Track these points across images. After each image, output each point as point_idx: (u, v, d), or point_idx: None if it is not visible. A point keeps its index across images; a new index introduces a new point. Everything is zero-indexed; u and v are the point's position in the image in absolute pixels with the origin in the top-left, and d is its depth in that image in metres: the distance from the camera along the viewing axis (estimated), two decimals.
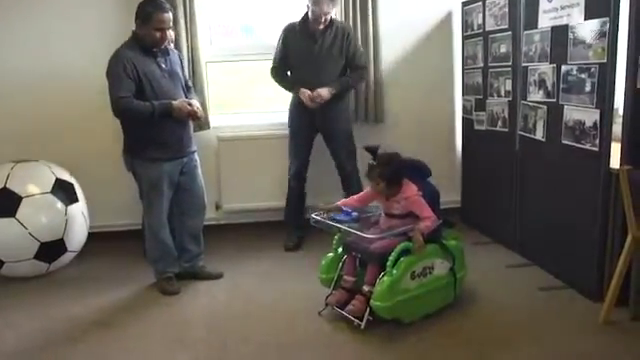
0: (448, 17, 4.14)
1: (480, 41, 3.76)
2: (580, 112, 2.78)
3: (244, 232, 4.12)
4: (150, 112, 2.92)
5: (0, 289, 3.28)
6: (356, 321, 2.62)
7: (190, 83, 3.36)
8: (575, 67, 2.79)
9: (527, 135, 3.28)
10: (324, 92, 3.52)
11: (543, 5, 3.04)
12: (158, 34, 2.94)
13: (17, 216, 3.23)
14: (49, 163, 3.54)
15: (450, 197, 4.04)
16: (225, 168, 4.07)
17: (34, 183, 3.36)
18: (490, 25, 3.63)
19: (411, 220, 2.71)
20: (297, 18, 3.61)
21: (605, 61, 2.59)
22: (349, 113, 3.84)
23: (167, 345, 2.59)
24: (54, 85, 3.85)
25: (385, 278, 2.55)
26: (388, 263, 2.56)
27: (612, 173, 2.62)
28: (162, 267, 3.21)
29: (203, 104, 3.70)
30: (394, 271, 2.55)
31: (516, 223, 3.50)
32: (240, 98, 4.52)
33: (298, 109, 3.67)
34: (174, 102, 2.99)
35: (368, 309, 2.59)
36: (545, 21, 3.03)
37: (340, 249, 2.86)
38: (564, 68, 2.88)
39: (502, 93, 3.55)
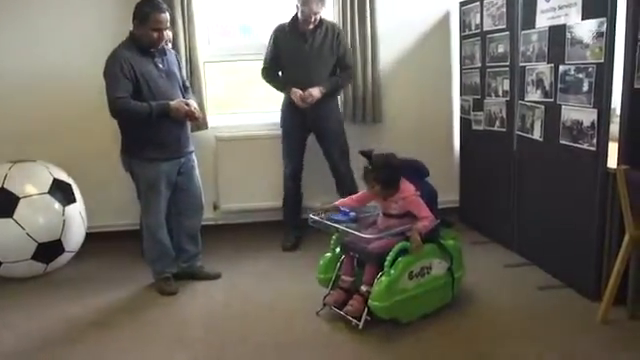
0: (446, 17, 4.15)
1: (478, 41, 3.77)
2: (578, 112, 2.79)
3: (242, 232, 4.11)
4: (148, 112, 2.92)
5: None
6: (354, 321, 2.62)
7: (187, 83, 3.36)
8: (573, 67, 2.80)
9: (525, 135, 3.29)
10: (315, 91, 3.53)
11: (541, 5, 3.04)
12: (155, 34, 2.94)
13: (14, 216, 3.22)
14: (47, 163, 3.54)
15: (448, 197, 4.04)
16: (223, 168, 4.07)
17: (32, 183, 3.35)
18: (488, 25, 3.63)
19: (409, 220, 2.71)
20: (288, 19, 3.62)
21: (602, 61, 2.59)
22: (340, 112, 3.85)
23: (165, 345, 2.59)
24: (51, 85, 3.84)
25: (383, 278, 2.55)
26: (386, 263, 2.57)
27: (609, 173, 2.63)
28: (160, 267, 3.21)
29: (201, 104, 3.71)
30: (392, 271, 2.55)
31: (514, 223, 3.50)
32: (238, 98, 4.52)
33: (290, 109, 3.69)
34: (171, 102, 2.99)
35: (366, 309, 2.59)
36: (543, 21, 3.04)
37: (338, 249, 2.86)
38: (562, 68, 2.88)
39: (500, 93, 3.55)
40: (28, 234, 3.25)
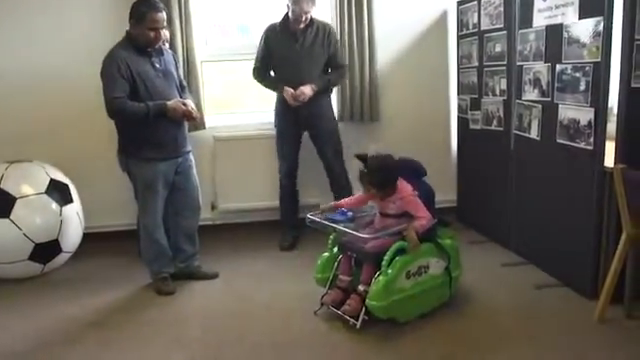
0: (443, 16, 4.15)
1: (475, 40, 3.77)
2: (575, 111, 2.79)
3: (239, 232, 4.11)
4: (145, 113, 2.91)
5: None
6: (352, 321, 2.62)
7: (184, 83, 3.35)
8: (570, 66, 2.80)
9: (522, 134, 3.29)
10: (307, 89, 3.54)
11: (538, 4, 3.04)
12: (152, 34, 2.93)
13: (11, 217, 3.22)
14: (43, 163, 3.53)
15: (446, 196, 4.04)
16: (221, 168, 4.07)
17: (28, 184, 3.35)
18: (485, 24, 3.63)
19: (406, 220, 2.71)
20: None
21: (599, 60, 2.60)
22: (333, 111, 3.86)
23: (163, 345, 2.59)
24: (48, 85, 3.83)
25: (380, 277, 2.55)
26: (383, 262, 2.57)
27: (606, 172, 2.63)
28: (157, 267, 3.21)
29: (198, 104, 3.71)
30: (389, 270, 2.55)
31: (511, 222, 3.50)
32: (236, 98, 4.51)
33: (283, 108, 3.70)
34: (169, 102, 2.98)
35: (364, 309, 2.59)
36: (540, 20, 3.04)
37: (335, 249, 2.86)
38: (559, 67, 2.88)
39: (497, 92, 3.55)
40: (25, 234, 3.24)
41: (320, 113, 3.70)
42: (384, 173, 2.68)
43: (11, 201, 3.23)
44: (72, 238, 3.49)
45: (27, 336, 2.72)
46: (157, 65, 3.03)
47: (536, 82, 3.10)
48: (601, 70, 2.59)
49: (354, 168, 2.85)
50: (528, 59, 3.16)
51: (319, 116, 3.70)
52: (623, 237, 2.49)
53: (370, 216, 2.90)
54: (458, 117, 4.15)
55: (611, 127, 2.62)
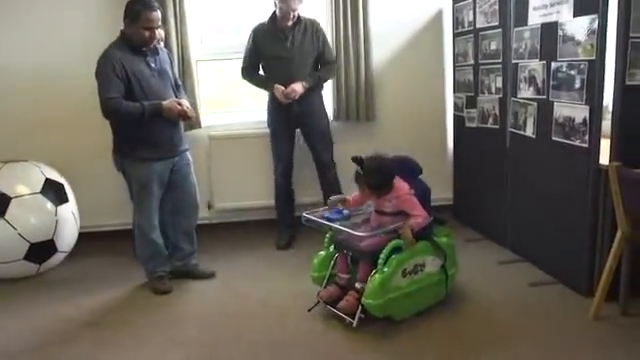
0: (439, 15, 4.14)
1: (471, 38, 3.77)
2: (570, 109, 2.79)
3: (236, 231, 4.11)
4: (140, 113, 2.90)
5: None
6: (348, 319, 2.62)
7: (180, 82, 3.34)
8: (565, 64, 2.80)
9: (517, 132, 3.29)
10: (298, 86, 3.54)
11: (533, 2, 3.05)
12: (147, 33, 2.92)
13: (6, 217, 3.21)
14: (38, 163, 3.52)
15: (442, 194, 4.04)
16: (217, 167, 4.06)
17: (23, 183, 3.34)
18: (480, 22, 3.63)
19: (402, 218, 2.71)
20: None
21: (594, 58, 2.60)
22: (325, 109, 3.85)
23: (159, 344, 2.58)
24: (44, 85, 3.81)
25: (376, 276, 2.55)
26: (379, 261, 2.57)
27: (602, 169, 2.63)
28: (152, 267, 3.20)
29: (194, 103, 3.70)
30: (385, 269, 2.55)
31: (507, 220, 3.51)
32: (231, 97, 4.50)
33: (274, 107, 3.70)
34: (164, 102, 2.97)
35: (360, 307, 2.59)
36: (535, 18, 3.04)
37: (332, 247, 2.86)
38: (554, 65, 2.89)
39: (493, 90, 3.56)
40: (20, 234, 3.23)
41: (312, 110, 3.71)
42: (381, 175, 2.67)
43: (6, 201, 3.22)
44: (67, 238, 3.48)
45: (22, 336, 2.72)
46: (152, 64, 3.02)
47: (531, 80, 3.10)
48: (596, 68, 2.59)
49: (349, 169, 2.83)
50: (523, 57, 3.16)
51: (310, 113, 3.70)
52: (618, 235, 2.50)
53: (366, 214, 2.90)
54: (454, 115, 4.15)
55: (606, 125, 2.63)
